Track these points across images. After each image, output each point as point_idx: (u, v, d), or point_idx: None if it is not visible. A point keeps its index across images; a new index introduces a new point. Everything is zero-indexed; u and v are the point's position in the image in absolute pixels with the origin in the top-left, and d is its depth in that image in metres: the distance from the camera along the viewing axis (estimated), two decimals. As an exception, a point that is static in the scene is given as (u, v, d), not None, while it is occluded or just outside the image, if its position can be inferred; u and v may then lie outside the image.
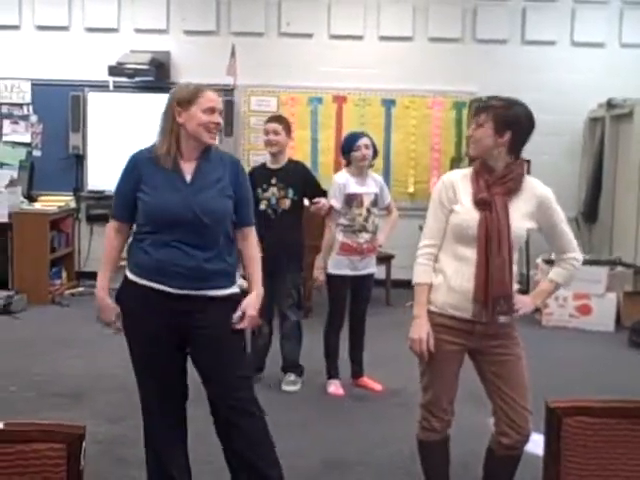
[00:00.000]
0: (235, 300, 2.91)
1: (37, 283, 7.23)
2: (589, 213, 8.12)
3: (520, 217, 2.83)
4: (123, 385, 4.92)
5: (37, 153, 8.41)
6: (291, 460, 3.79)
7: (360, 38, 8.41)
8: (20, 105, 8.42)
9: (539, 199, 2.86)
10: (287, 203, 4.93)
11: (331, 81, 8.33)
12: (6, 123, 8.43)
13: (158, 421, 3.00)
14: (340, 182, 4.86)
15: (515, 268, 2.88)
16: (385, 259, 7.33)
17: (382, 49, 8.40)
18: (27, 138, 8.42)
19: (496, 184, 2.82)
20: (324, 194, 4.98)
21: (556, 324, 6.98)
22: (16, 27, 8.38)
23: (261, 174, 4.99)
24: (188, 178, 2.83)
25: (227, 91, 8.27)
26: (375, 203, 4.93)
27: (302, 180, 5.02)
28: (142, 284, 2.84)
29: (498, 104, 2.89)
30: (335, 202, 4.83)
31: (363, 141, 4.84)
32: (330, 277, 4.91)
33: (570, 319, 6.99)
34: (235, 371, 2.93)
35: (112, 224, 2.98)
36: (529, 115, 2.90)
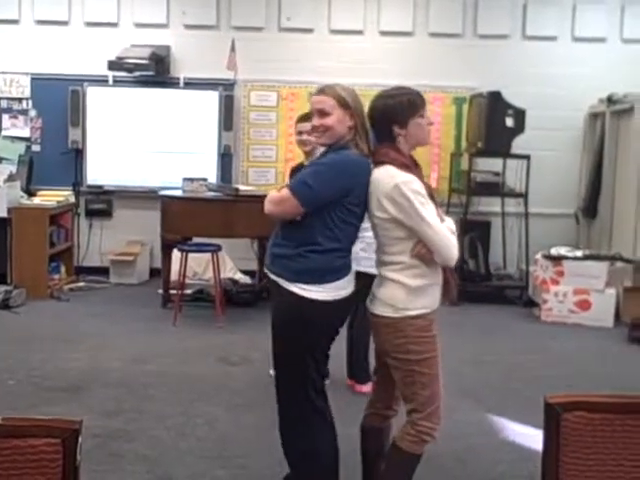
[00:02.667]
0: None
1: (36, 278, 7.22)
2: (589, 208, 8.11)
3: None
4: (121, 380, 4.93)
5: (36, 148, 8.40)
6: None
7: (360, 33, 8.39)
8: (19, 99, 8.40)
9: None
10: None
11: (331, 76, 8.24)
12: (5, 117, 8.42)
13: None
14: None
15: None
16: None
17: (382, 44, 8.38)
18: (26, 133, 8.40)
19: None
20: None
21: (555, 319, 6.98)
22: (15, 21, 8.36)
23: (296, 170, 5.03)
24: None
25: (227, 86, 8.26)
26: None
27: None
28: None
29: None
30: None
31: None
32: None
33: (569, 314, 6.98)
34: None
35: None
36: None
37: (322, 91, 3.02)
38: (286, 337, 2.98)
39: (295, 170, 5.13)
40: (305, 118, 5.10)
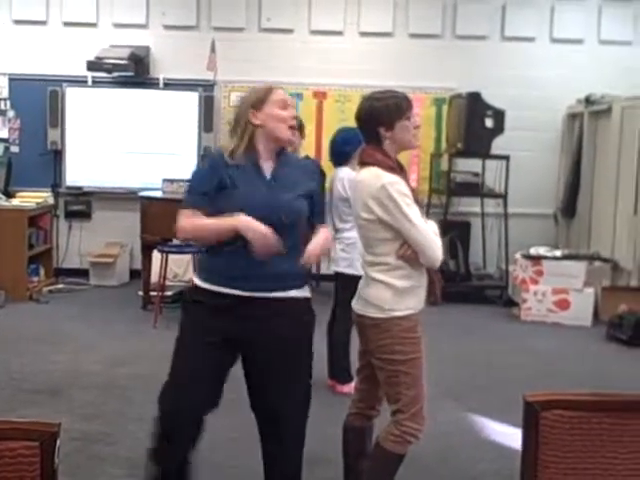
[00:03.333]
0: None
1: (15, 280, 7.16)
2: (567, 208, 8.17)
3: None
4: (101, 382, 4.91)
5: (15, 149, 8.33)
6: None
7: (340, 34, 8.41)
8: (-3, 100, 8.34)
9: None
10: None
11: (311, 77, 8.32)
12: (-17, 118, 8.35)
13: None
14: None
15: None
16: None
17: (362, 45, 8.40)
18: (4, 134, 8.34)
19: None
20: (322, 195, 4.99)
21: (534, 319, 7.02)
22: (-7, 21, 8.30)
23: None
24: (268, 176, 2.80)
25: (207, 86, 8.25)
26: None
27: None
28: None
29: None
30: None
31: None
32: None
33: (548, 314, 7.03)
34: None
35: (185, 213, 2.82)
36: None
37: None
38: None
39: None
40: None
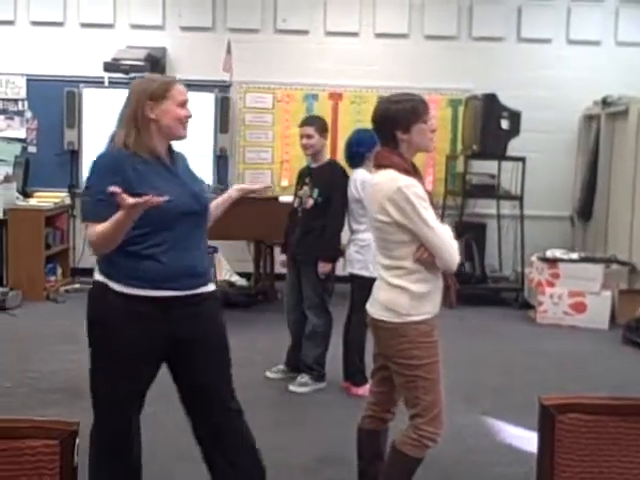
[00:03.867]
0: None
1: (32, 279, 7.21)
2: (584, 211, 8.13)
3: None
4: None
5: (32, 149, 8.40)
6: (286, 455, 3.81)
7: (356, 35, 8.41)
8: (15, 101, 8.40)
9: None
10: (310, 202, 4.93)
11: (327, 78, 8.33)
12: (1, 119, 8.41)
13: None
14: None
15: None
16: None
17: (378, 46, 8.40)
18: (22, 134, 8.40)
19: None
20: (330, 200, 4.94)
21: (550, 322, 6.99)
22: (11, 22, 8.35)
23: (302, 173, 5.16)
24: (172, 168, 2.73)
25: (223, 87, 8.27)
26: None
27: (329, 183, 4.93)
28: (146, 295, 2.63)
29: None
30: None
31: None
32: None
33: (564, 317, 7.00)
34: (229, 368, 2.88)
35: (93, 228, 2.59)
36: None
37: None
38: None
39: (302, 173, 5.17)
40: (305, 122, 5.12)
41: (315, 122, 5.05)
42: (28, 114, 8.39)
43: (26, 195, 7.81)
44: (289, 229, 5.13)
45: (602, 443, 1.70)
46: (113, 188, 2.36)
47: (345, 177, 4.95)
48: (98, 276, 2.73)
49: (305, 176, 5.07)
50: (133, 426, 2.85)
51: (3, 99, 8.39)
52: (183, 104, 2.74)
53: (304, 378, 5.00)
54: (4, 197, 7.29)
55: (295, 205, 5.06)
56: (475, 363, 5.65)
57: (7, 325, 6.43)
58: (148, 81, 2.78)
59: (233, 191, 3.15)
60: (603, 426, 1.71)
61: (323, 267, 4.88)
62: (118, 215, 2.42)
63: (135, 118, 2.66)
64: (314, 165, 5.06)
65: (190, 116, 2.77)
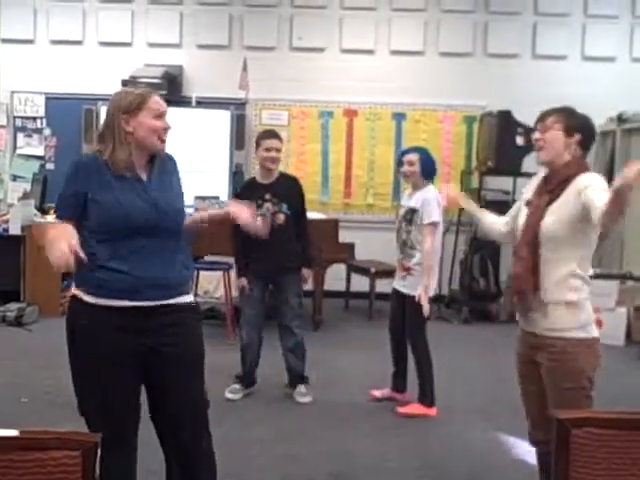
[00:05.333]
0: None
1: (49, 295, 7.26)
2: (600, 227, 8.10)
3: (557, 214, 2.76)
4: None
5: (50, 166, 8.50)
6: (297, 470, 3.82)
7: (371, 52, 8.47)
8: (34, 118, 8.51)
9: (577, 190, 2.77)
10: (282, 218, 4.92)
11: (342, 95, 8.38)
12: (20, 136, 8.53)
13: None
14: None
15: (563, 270, 2.78)
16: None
17: (393, 63, 8.45)
18: (40, 151, 8.51)
19: (549, 183, 2.84)
20: (304, 213, 5.12)
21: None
22: (31, 41, 8.49)
23: (253, 190, 4.91)
24: (145, 179, 2.70)
25: (239, 105, 8.34)
26: (406, 217, 4.85)
27: (295, 195, 5.05)
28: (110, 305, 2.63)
29: (564, 109, 2.99)
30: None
31: (406, 157, 4.87)
32: None
33: (581, 333, 6.96)
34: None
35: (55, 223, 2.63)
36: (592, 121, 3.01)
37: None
38: None
39: (252, 190, 4.93)
40: (274, 135, 5.02)
41: (279, 136, 5.07)
42: (47, 132, 8.50)
43: (44, 212, 7.87)
44: (262, 249, 4.70)
45: (617, 457, 1.71)
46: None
47: (301, 194, 5.13)
48: (73, 289, 2.75)
49: (261, 193, 4.88)
50: (125, 445, 2.80)
51: (22, 117, 8.51)
52: (160, 116, 2.69)
53: (302, 388, 5.09)
54: (22, 214, 7.37)
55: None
56: (490, 379, 5.63)
57: (24, 340, 6.48)
58: (123, 94, 2.74)
59: (230, 210, 2.93)
60: (618, 440, 1.71)
61: (309, 274, 5.13)
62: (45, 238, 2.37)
63: (112, 132, 2.65)
64: (267, 181, 4.96)
65: (167, 128, 2.72)
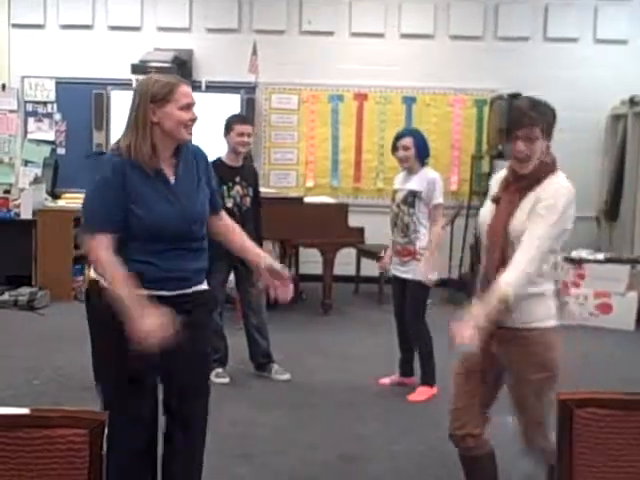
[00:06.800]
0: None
1: (60, 279, 7.31)
2: (610, 211, 8.09)
3: (525, 214, 2.67)
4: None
5: (61, 151, 8.52)
6: (308, 453, 3.85)
7: (381, 36, 8.43)
8: (44, 103, 8.53)
9: (537, 197, 2.68)
10: (248, 201, 5.03)
11: (352, 79, 8.36)
12: (31, 121, 8.55)
13: None
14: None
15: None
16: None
17: (403, 47, 8.41)
18: (51, 136, 8.53)
19: (520, 181, 2.75)
20: (259, 195, 5.22)
21: (576, 322, 6.95)
22: (41, 26, 8.49)
23: (224, 172, 4.89)
24: (172, 180, 2.66)
25: (249, 89, 8.33)
26: (406, 200, 4.76)
27: (254, 178, 5.22)
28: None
29: (536, 108, 2.74)
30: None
31: (401, 142, 4.78)
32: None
33: (590, 317, 6.97)
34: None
35: (100, 240, 2.56)
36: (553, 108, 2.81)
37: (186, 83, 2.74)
38: None
39: (223, 173, 4.85)
40: (246, 120, 5.18)
41: (251, 121, 5.16)
42: (57, 116, 8.51)
43: (55, 196, 7.92)
44: None
45: (620, 437, 1.72)
46: None
47: (256, 175, 5.29)
48: (92, 274, 2.74)
49: (232, 176, 4.98)
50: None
51: (33, 102, 8.53)
52: (188, 107, 2.63)
53: (277, 366, 5.18)
54: (34, 198, 7.41)
55: (230, 206, 4.87)
56: (500, 363, 5.64)
57: (36, 324, 6.53)
58: (152, 82, 2.65)
59: (262, 265, 2.90)
60: (621, 420, 1.72)
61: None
62: (123, 297, 2.46)
63: (137, 122, 2.60)
64: (236, 164, 5.02)
65: (195, 119, 2.67)
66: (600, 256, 7.19)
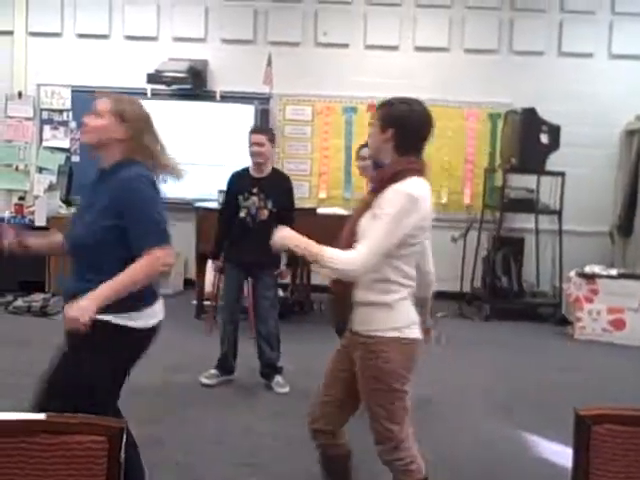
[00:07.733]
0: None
1: (73, 286, 7.32)
2: (624, 227, 8.06)
3: (371, 216, 2.67)
4: (155, 388, 5.00)
5: (76, 158, 8.56)
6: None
7: (396, 48, 8.45)
8: (60, 111, 8.59)
9: (380, 202, 2.70)
10: (265, 213, 5.01)
11: (366, 91, 8.37)
12: (46, 129, 8.60)
13: None
14: None
15: (371, 275, 2.65)
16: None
17: (417, 59, 8.43)
18: (66, 144, 8.58)
19: (375, 182, 2.79)
20: (292, 211, 5.13)
21: (589, 338, 6.93)
22: (58, 35, 8.56)
23: (243, 181, 5.06)
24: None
25: (263, 99, 8.36)
26: None
27: (283, 193, 5.14)
28: None
29: (387, 103, 2.93)
30: None
31: (362, 152, 4.62)
32: None
33: (603, 333, 6.93)
34: None
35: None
36: (418, 114, 2.92)
37: (105, 96, 2.97)
38: None
39: (242, 182, 5.07)
40: (257, 130, 5.26)
41: (266, 131, 5.22)
42: (72, 124, 8.56)
43: (69, 204, 7.95)
44: (243, 241, 5.04)
45: (637, 454, 1.71)
46: None
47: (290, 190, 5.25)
48: (100, 316, 2.89)
49: (250, 186, 5.02)
50: None
51: (48, 109, 8.59)
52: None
53: (280, 379, 5.17)
54: (48, 205, 7.45)
55: (243, 215, 5.00)
56: (511, 377, 5.62)
57: (49, 331, 6.51)
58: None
59: None
60: (638, 437, 1.71)
61: (286, 273, 5.35)
62: None
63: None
64: (258, 175, 5.06)
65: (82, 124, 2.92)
66: (613, 271, 7.17)
